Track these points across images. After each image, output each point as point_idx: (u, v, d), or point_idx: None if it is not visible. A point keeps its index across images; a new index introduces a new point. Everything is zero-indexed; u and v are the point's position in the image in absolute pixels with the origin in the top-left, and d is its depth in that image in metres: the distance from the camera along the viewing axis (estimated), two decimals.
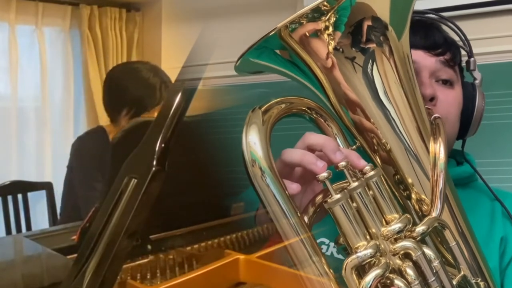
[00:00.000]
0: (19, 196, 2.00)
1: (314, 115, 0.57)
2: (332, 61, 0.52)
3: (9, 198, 1.97)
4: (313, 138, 0.54)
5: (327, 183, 0.48)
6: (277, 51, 0.55)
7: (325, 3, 0.49)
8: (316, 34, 0.51)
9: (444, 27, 0.81)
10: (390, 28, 0.53)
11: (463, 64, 0.83)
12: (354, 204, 0.48)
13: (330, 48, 0.52)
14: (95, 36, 2.56)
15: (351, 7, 0.51)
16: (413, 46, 0.75)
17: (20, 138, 2.42)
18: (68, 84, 2.53)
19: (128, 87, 1.56)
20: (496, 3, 1.58)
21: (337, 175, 0.51)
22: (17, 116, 2.41)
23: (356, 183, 0.48)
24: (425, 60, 0.76)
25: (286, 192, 0.48)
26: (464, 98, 0.80)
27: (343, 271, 0.46)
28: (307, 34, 0.52)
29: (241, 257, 0.57)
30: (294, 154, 0.53)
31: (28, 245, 0.81)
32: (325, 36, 0.51)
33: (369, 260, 0.46)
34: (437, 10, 0.82)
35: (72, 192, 1.61)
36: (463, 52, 0.82)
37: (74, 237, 0.71)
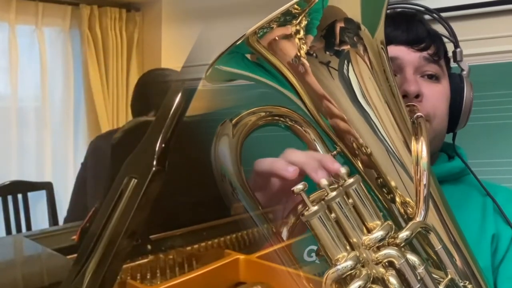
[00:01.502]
0: (19, 196, 2.00)
1: (289, 122, 0.56)
2: (305, 66, 0.51)
3: (9, 198, 1.97)
4: (294, 155, 0.53)
5: (303, 195, 0.46)
6: (249, 58, 0.53)
7: (296, 6, 0.47)
8: (287, 38, 0.50)
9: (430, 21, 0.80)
10: (362, 27, 0.52)
11: (450, 55, 0.81)
12: (333, 215, 0.47)
13: (302, 52, 0.50)
14: (95, 36, 2.56)
15: (323, 9, 0.49)
16: (395, 41, 0.74)
17: (20, 138, 2.42)
18: (68, 84, 2.53)
19: (155, 94, 1.58)
20: (496, 3, 1.58)
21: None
22: (17, 116, 2.41)
23: (334, 193, 0.46)
24: (408, 55, 0.74)
25: (259, 206, 0.47)
26: (452, 91, 0.78)
27: (323, 285, 0.45)
28: (277, 39, 0.50)
29: (241, 257, 0.57)
30: (264, 164, 0.52)
31: (28, 245, 0.80)
32: (296, 40, 0.50)
33: (350, 272, 0.45)
34: (437, 10, 0.82)
35: (82, 190, 1.61)
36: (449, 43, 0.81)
37: (74, 237, 0.71)
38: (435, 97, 0.75)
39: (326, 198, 0.47)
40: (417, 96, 0.72)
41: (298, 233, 0.52)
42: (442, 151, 0.85)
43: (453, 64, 0.83)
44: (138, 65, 2.76)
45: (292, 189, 0.46)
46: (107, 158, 1.55)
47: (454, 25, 0.81)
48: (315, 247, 0.78)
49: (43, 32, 2.46)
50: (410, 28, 0.75)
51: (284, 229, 0.50)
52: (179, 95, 0.46)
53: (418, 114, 0.57)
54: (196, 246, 0.75)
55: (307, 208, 0.46)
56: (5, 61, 2.35)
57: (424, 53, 0.75)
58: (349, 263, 0.45)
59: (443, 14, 0.81)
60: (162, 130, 0.44)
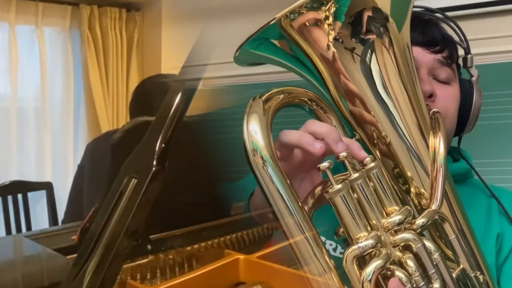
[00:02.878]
0: (19, 196, 2.00)
1: (314, 106, 0.56)
2: (332, 52, 0.52)
3: (9, 198, 1.97)
4: (316, 126, 0.53)
5: (328, 173, 0.47)
6: (277, 42, 0.54)
7: None
8: (316, 24, 0.51)
9: (443, 25, 0.81)
10: (390, 19, 0.53)
11: (460, 61, 0.83)
12: (355, 195, 0.48)
13: (330, 38, 0.51)
14: (95, 36, 2.56)
15: None
16: (411, 42, 0.75)
17: (20, 138, 2.42)
18: (68, 84, 2.53)
19: (156, 100, 1.56)
20: (496, 3, 1.58)
21: (335, 168, 0.50)
22: (17, 116, 2.41)
23: (357, 174, 0.48)
24: (423, 56, 0.75)
25: (288, 181, 0.47)
26: (461, 95, 0.80)
27: (343, 262, 0.46)
28: (307, 24, 0.51)
29: (241, 257, 0.57)
30: (291, 135, 0.52)
31: (28, 245, 0.80)
32: (325, 26, 0.51)
33: (370, 250, 0.46)
34: (439, 10, 0.82)
35: (79, 193, 1.61)
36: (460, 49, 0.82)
37: (74, 237, 0.71)
38: (446, 98, 0.76)
39: (349, 178, 0.48)
40: (430, 96, 0.74)
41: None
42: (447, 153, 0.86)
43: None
44: (138, 65, 2.75)
45: (318, 166, 0.47)
46: (104, 160, 1.55)
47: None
48: (322, 238, 0.79)
49: (43, 32, 2.46)
50: (426, 30, 0.77)
51: (305, 208, 0.50)
52: (179, 95, 0.46)
53: (435, 110, 0.58)
54: (196, 246, 0.75)
55: (331, 185, 0.47)
56: (5, 61, 2.35)
57: (438, 56, 0.76)
58: (370, 241, 0.46)
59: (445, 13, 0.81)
60: (162, 130, 0.44)
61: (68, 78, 2.53)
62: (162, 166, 0.42)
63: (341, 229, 0.49)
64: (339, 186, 0.47)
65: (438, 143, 0.54)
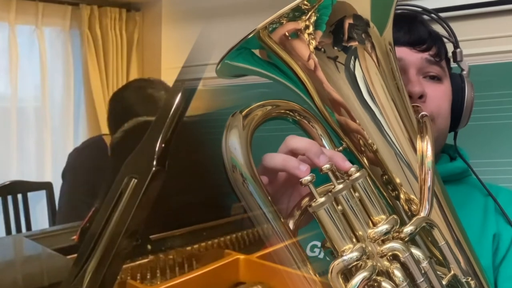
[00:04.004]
0: (19, 196, 2.00)
1: (298, 117, 0.56)
2: (314, 61, 0.52)
3: (9, 198, 1.97)
4: (296, 142, 0.53)
5: (311, 186, 0.47)
6: (258, 54, 0.53)
7: (306, 2, 0.48)
8: (297, 34, 0.50)
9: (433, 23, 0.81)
10: (371, 24, 0.52)
11: (449, 55, 0.82)
12: (340, 207, 0.48)
13: (311, 48, 0.51)
14: (95, 36, 2.56)
15: (332, 5, 0.50)
16: (398, 42, 0.74)
17: (20, 138, 2.42)
18: (68, 84, 2.53)
19: (134, 109, 1.53)
20: (496, 3, 1.58)
21: (324, 176, 0.50)
22: (17, 116, 2.41)
23: (341, 186, 0.47)
24: (411, 56, 0.75)
25: (269, 198, 0.47)
26: (453, 90, 0.79)
27: (329, 275, 0.45)
28: (287, 34, 0.51)
29: (241, 257, 0.57)
30: (276, 160, 0.52)
31: (28, 245, 0.80)
32: (306, 35, 0.51)
33: (355, 263, 0.45)
34: (437, 10, 0.82)
35: (62, 198, 1.61)
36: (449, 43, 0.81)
37: (74, 237, 0.71)
38: (438, 97, 0.76)
39: (333, 190, 0.47)
40: (421, 96, 0.73)
41: (302, 227, 0.52)
42: (443, 152, 0.86)
43: (453, 64, 0.84)
44: (138, 65, 2.76)
45: (300, 180, 0.47)
46: (85, 170, 1.53)
47: (454, 25, 0.82)
48: (318, 243, 0.78)
49: (43, 32, 2.46)
50: (412, 29, 0.76)
51: (291, 222, 0.50)
52: (179, 95, 0.46)
53: (423, 113, 0.57)
54: (196, 246, 0.75)
55: (314, 199, 0.46)
56: (5, 61, 2.35)
57: (426, 54, 0.75)
58: (355, 254, 0.45)
59: (443, 14, 0.81)
60: (162, 130, 0.44)
61: (68, 78, 2.53)
62: (162, 166, 0.42)
63: (328, 242, 0.48)
64: (322, 199, 0.46)
65: (425, 147, 0.53)
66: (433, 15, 0.80)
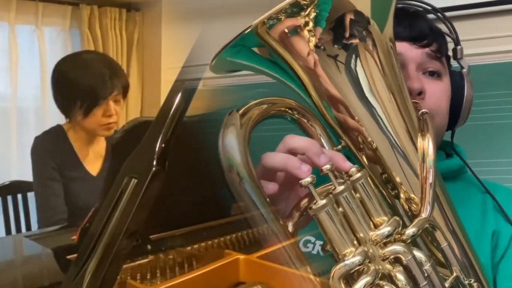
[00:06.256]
0: (19, 196, 2.00)
1: (296, 116, 0.55)
2: (314, 59, 0.50)
3: (9, 198, 1.97)
4: (295, 141, 0.52)
5: (311, 188, 0.45)
6: (256, 50, 0.52)
7: None
8: (296, 30, 0.49)
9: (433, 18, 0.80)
10: (372, 21, 0.51)
11: (450, 52, 0.81)
12: (341, 209, 0.46)
13: (311, 45, 0.50)
14: (95, 36, 2.56)
15: (332, 1, 0.49)
16: (398, 37, 0.74)
17: (20, 138, 2.41)
18: None
19: (77, 79, 1.53)
20: (496, 3, 1.58)
21: (323, 176, 0.49)
22: (17, 116, 2.41)
23: (342, 187, 0.46)
24: (411, 52, 0.74)
25: (267, 199, 0.46)
26: (452, 88, 0.78)
27: (330, 280, 0.44)
28: (286, 31, 0.49)
29: (241, 257, 0.57)
30: (277, 159, 0.51)
31: (28, 245, 0.81)
32: (305, 32, 0.49)
33: (358, 267, 0.44)
34: (437, 10, 0.82)
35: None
36: (449, 40, 0.80)
37: (74, 237, 0.71)
38: (437, 94, 0.75)
39: (333, 192, 0.46)
40: (420, 93, 0.72)
41: (301, 228, 0.52)
42: (439, 149, 0.85)
43: (452, 63, 0.83)
44: (138, 65, 2.76)
45: (300, 181, 0.46)
46: (48, 154, 1.55)
47: (454, 25, 0.81)
48: (311, 238, 0.77)
49: (43, 32, 2.46)
50: (413, 24, 0.75)
51: (290, 224, 0.49)
52: (179, 95, 0.46)
53: (424, 110, 0.56)
54: (196, 246, 0.75)
55: (314, 201, 0.45)
56: (5, 61, 2.35)
57: (427, 49, 0.74)
58: (358, 258, 0.44)
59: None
60: (162, 130, 0.44)
61: None
62: (162, 166, 0.42)
63: (328, 245, 0.47)
64: (324, 201, 0.45)
65: (427, 145, 0.52)
66: (434, 11, 0.80)
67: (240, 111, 0.50)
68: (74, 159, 1.61)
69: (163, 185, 0.43)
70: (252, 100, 0.53)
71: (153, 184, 0.42)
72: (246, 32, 0.48)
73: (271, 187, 0.49)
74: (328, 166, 0.47)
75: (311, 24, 0.49)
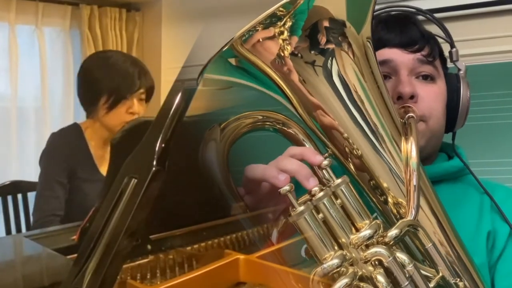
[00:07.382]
0: (19, 196, 2.00)
1: (277, 126, 0.56)
2: (290, 67, 0.51)
3: (9, 198, 1.97)
4: (286, 163, 0.54)
5: (289, 196, 0.47)
6: (233, 63, 0.52)
7: (281, 8, 0.47)
8: (270, 40, 0.50)
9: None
10: (348, 24, 0.51)
11: (446, 55, 0.82)
12: (321, 215, 0.47)
13: (286, 53, 0.50)
14: (95, 36, 2.56)
15: (308, 10, 0.49)
16: (389, 44, 0.75)
17: (20, 138, 2.42)
18: (68, 84, 2.53)
19: (106, 75, 1.54)
20: (496, 3, 1.58)
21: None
22: (17, 116, 2.41)
23: (321, 193, 0.47)
24: (402, 58, 0.75)
25: (247, 210, 0.48)
26: (449, 91, 0.79)
27: (310, 283, 0.45)
28: (261, 41, 0.50)
29: (241, 257, 0.57)
30: (256, 170, 0.53)
31: (28, 245, 0.80)
32: (280, 41, 0.50)
33: (336, 270, 0.45)
34: (436, 10, 0.82)
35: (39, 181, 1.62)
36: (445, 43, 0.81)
37: (74, 237, 0.71)
38: (430, 97, 0.76)
39: (313, 198, 0.47)
40: (412, 97, 0.73)
41: (292, 233, 0.52)
42: (441, 151, 0.86)
43: (449, 64, 0.84)
44: None
45: (279, 190, 0.47)
46: (61, 155, 1.55)
47: (453, 26, 0.82)
48: None
49: (43, 32, 2.46)
50: (403, 30, 0.76)
51: (274, 230, 0.50)
52: (179, 95, 0.46)
53: (410, 114, 0.58)
54: (196, 246, 0.75)
55: (293, 208, 0.46)
56: (5, 61, 2.35)
57: (418, 55, 0.75)
58: (335, 261, 0.45)
59: (441, 15, 0.81)
60: (162, 130, 0.44)
61: (68, 78, 2.53)
62: (162, 166, 0.42)
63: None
64: (301, 208, 0.46)
65: (410, 148, 0.53)
66: (427, 15, 0.80)
67: (221, 126, 0.51)
68: (88, 159, 1.60)
69: (163, 185, 0.43)
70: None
71: (153, 184, 0.42)
72: (224, 49, 0.49)
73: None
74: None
75: (286, 33, 0.49)
